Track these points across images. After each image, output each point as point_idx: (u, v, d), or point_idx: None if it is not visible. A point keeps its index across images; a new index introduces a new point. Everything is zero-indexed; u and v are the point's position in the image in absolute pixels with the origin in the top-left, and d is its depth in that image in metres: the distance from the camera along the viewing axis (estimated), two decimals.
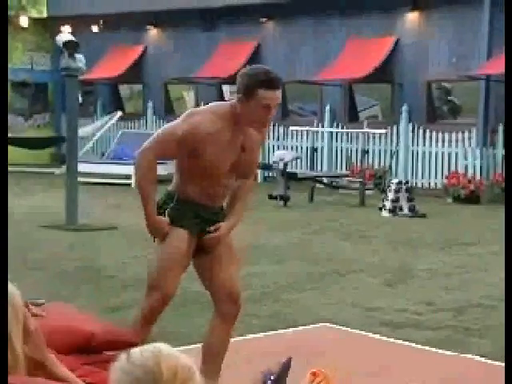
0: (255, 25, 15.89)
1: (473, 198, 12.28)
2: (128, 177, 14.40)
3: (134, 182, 3.51)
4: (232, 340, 4.37)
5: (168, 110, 17.58)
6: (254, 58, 15.86)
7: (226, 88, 16.82)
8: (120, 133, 16.33)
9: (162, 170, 16.13)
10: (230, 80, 15.96)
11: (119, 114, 16.47)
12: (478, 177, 12.77)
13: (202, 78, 16.11)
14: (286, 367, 2.95)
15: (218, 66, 15.84)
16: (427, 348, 4.56)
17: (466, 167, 13.02)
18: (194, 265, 3.61)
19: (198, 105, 16.93)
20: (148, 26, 17.56)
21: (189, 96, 17.74)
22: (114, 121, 16.55)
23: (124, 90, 18.70)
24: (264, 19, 15.84)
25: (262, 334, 4.82)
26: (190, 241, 3.48)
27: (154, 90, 17.61)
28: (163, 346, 1.61)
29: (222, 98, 16.81)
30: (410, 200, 11.11)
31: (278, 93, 3.30)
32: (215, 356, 3.54)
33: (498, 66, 12.57)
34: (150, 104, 17.42)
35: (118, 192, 13.13)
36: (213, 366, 3.49)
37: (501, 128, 12.88)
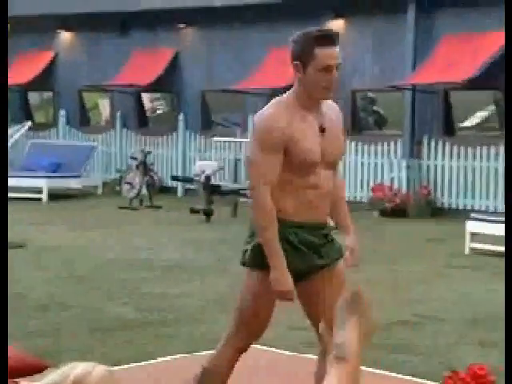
0: (173, 31, 15.36)
1: (399, 212, 12.04)
2: (39, 191, 13.62)
3: (259, 236, 2.97)
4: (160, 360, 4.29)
5: (83, 120, 16.80)
6: (174, 65, 15.34)
7: (145, 96, 16.16)
8: (29, 144, 15.47)
9: (75, 184, 14.98)
10: (150, 88, 15.46)
11: (29, 123, 15.59)
12: (404, 189, 12.55)
13: (118, 85, 15.44)
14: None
15: (136, 73, 15.23)
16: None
17: (392, 179, 12.79)
18: (298, 295, 3.11)
19: (113, 115, 16.26)
20: (59, 30, 16.75)
21: (104, 105, 17.00)
22: (23, 131, 15.65)
23: (34, 97, 17.80)
24: (182, 25, 15.34)
25: (187, 355, 4.56)
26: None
27: (66, 98, 16.80)
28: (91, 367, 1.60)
29: (141, 107, 16.17)
30: None
31: (338, 49, 2.99)
32: None
33: (423, 77, 12.45)
34: (63, 113, 16.60)
35: (27, 207, 12.41)
36: None
37: (426, 139, 12.72)
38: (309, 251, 2.99)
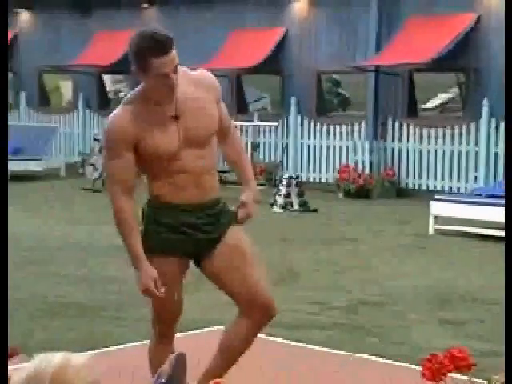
0: (136, 11, 15.17)
1: (363, 193, 12.11)
2: None
3: (123, 241, 3.00)
4: (129, 345, 4.31)
5: (43, 102, 16.56)
6: None
7: (107, 78, 15.96)
8: None
9: (36, 166, 14.77)
10: (112, 69, 15.24)
11: None
12: (368, 171, 12.60)
13: (79, 65, 15.21)
14: (177, 363, 2.76)
15: (98, 53, 15.02)
16: (324, 349, 4.46)
17: (356, 161, 12.83)
18: (205, 274, 3.11)
19: (76, 96, 16.04)
20: (19, 10, 16.43)
21: (66, 86, 16.75)
22: None
23: None
24: (145, 5, 15.16)
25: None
26: (179, 267, 3.02)
27: (26, 80, 16.51)
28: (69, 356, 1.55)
29: (102, 88, 15.96)
30: (300, 195, 10.84)
31: (172, 54, 2.87)
32: (232, 354, 3.16)
33: (387, 58, 12.46)
34: (23, 94, 16.33)
35: None
36: (226, 363, 3.18)
37: (390, 121, 12.77)
38: (193, 231, 2.99)
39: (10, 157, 13.77)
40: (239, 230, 3.08)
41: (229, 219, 3.06)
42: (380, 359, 4.31)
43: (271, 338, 4.55)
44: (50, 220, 9.46)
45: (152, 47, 2.82)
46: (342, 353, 4.41)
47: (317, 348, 4.48)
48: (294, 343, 4.51)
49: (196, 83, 3.00)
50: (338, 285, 6.23)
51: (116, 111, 2.98)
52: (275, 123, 13.23)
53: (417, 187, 12.57)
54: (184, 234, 2.97)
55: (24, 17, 16.61)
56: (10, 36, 16.63)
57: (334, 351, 4.44)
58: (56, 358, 1.50)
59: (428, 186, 12.44)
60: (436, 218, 8.97)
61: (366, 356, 4.35)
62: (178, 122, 2.93)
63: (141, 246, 2.95)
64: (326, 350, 4.45)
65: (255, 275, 3.05)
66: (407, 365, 4.18)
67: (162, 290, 2.94)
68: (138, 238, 2.94)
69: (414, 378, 3.72)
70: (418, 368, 2.86)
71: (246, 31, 13.92)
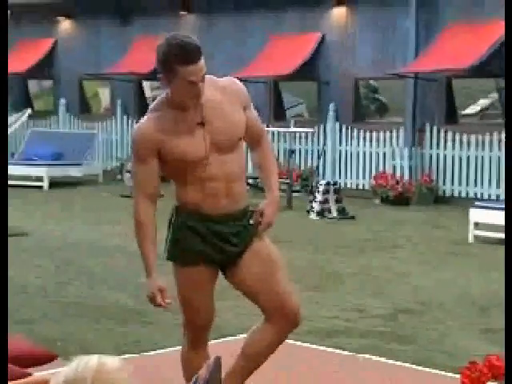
0: (175, 17, 15.30)
1: (401, 200, 12.01)
2: (39, 179, 13.60)
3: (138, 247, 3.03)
4: (170, 350, 4.26)
5: (83, 108, 16.76)
6: None
7: (146, 84, 16.10)
8: (29, 132, 15.43)
9: (76, 172, 14.91)
10: (151, 76, 15.37)
11: (29, 111, 15.56)
12: (406, 177, 12.50)
13: (119, 73, 15.36)
14: (215, 368, 2.74)
15: (137, 60, 15.15)
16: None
17: (394, 167, 12.74)
18: (230, 282, 3.11)
19: (113, 102, 16.21)
20: (59, 18, 16.66)
21: (104, 93, 16.94)
22: (24, 119, 15.62)
23: (33, 85, 17.75)
24: (183, 12, 15.28)
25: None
26: (208, 275, 3.01)
27: (66, 87, 16.74)
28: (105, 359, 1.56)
29: (141, 94, 16.10)
30: (338, 201, 10.77)
31: (201, 63, 2.84)
32: (255, 360, 3.14)
33: (425, 64, 12.38)
34: (63, 101, 16.55)
35: (28, 195, 12.36)
36: (249, 368, 3.15)
37: (428, 127, 12.66)
38: (221, 243, 2.98)
39: (50, 162, 13.97)
40: (266, 236, 3.08)
41: (255, 228, 3.06)
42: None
43: (301, 344, 4.54)
44: (91, 225, 9.55)
45: (178, 55, 2.80)
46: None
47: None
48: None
49: (222, 90, 2.99)
50: (377, 292, 6.20)
51: (142, 119, 2.99)
52: (311, 129, 13.20)
53: (455, 194, 12.43)
54: (211, 243, 2.97)
55: (64, 25, 16.84)
56: (50, 43, 16.88)
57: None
58: (93, 361, 1.52)
59: (468, 193, 12.30)
60: (475, 224, 8.86)
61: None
62: (204, 129, 2.93)
63: (154, 254, 2.96)
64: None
65: (283, 282, 3.05)
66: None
67: (168, 300, 2.94)
68: (151, 246, 2.94)
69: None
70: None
71: (284, 37, 13.93)
